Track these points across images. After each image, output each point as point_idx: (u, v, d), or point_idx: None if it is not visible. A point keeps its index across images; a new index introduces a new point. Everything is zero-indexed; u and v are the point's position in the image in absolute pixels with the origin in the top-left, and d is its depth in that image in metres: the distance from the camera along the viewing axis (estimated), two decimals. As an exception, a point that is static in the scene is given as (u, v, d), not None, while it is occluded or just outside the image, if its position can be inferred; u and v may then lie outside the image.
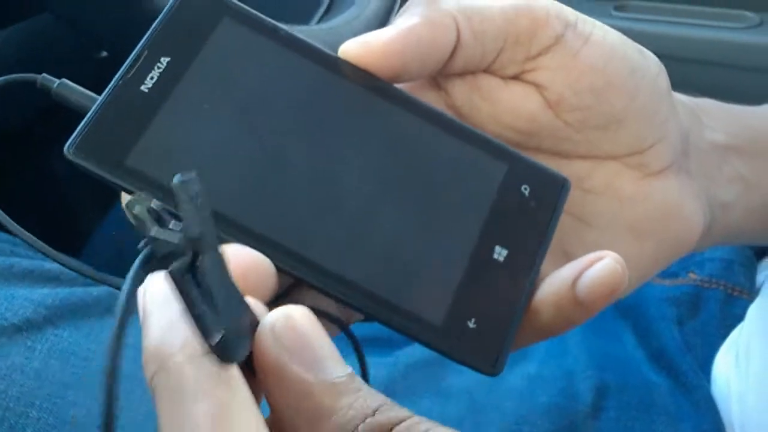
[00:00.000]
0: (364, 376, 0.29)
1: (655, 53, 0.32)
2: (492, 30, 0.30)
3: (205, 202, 0.21)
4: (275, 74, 0.30)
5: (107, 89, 0.28)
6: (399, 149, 0.30)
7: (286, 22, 0.32)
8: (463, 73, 0.32)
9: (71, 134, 0.27)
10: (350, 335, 0.29)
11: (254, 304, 0.24)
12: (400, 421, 0.22)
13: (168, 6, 0.30)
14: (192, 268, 0.21)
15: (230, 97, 0.29)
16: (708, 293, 0.48)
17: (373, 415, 0.22)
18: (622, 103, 0.31)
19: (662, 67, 0.32)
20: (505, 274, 0.30)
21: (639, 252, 0.33)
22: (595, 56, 0.31)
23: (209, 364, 0.21)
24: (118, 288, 0.21)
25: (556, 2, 0.32)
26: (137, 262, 0.21)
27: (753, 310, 0.45)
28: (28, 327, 0.42)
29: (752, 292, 0.48)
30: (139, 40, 0.29)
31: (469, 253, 0.30)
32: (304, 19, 0.54)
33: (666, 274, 0.51)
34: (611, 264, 0.28)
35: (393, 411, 0.23)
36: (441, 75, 0.32)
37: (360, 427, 0.22)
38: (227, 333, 0.20)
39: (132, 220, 0.22)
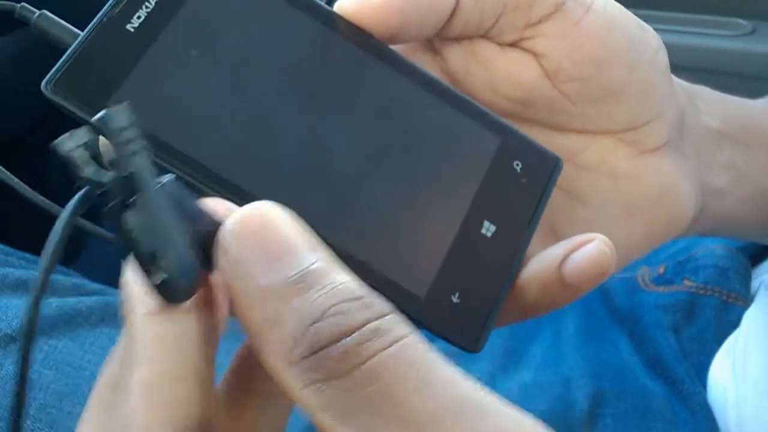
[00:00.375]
0: None
1: None
2: None
3: (138, 134, 0.19)
4: (268, 24, 0.29)
5: (91, 25, 0.27)
6: (391, 114, 0.29)
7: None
8: (460, 38, 0.31)
9: None
10: None
11: (223, 208, 0.22)
12: (362, 325, 0.19)
13: None
14: (128, 207, 0.19)
15: (219, 45, 0.28)
16: (703, 300, 0.48)
17: (324, 317, 0.19)
18: (621, 76, 0.31)
19: (662, 43, 0.32)
20: (492, 250, 0.29)
21: (630, 231, 0.33)
22: (596, 26, 0.30)
23: (157, 325, 0.20)
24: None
25: None
26: (71, 204, 0.20)
27: (748, 317, 0.45)
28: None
29: (747, 299, 0.48)
30: None
31: (457, 226, 0.29)
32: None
33: (661, 281, 0.51)
34: (600, 247, 0.27)
35: (358, 313, 0.19)
36: (437, 38, 0.32)
37: (301, 343, 0.19)
38: (169, 273, 0.19)
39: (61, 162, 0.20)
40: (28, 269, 0.46)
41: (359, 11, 0.29)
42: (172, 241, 0.19)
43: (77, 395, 0.40)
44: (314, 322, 0.19)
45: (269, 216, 0.20)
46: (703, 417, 0.44)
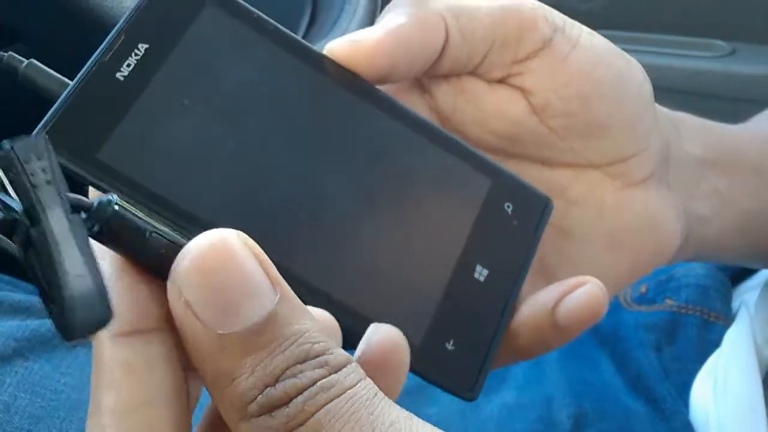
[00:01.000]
0: None
1: None
2: (480, 30, 0.30)
3: (51, 166, 0.19)
4: (257, 70, 0.28)
5: (80, 74, 0.26)
6: (381, 157, 0.29)
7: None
8: (448, 75, 0.31)
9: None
10: None
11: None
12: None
13: None
14: (30, 240, 0.19)
15: (209, 92, 0.27)
16: (685, 319, 0.49)
17: (276, 382, 0.19)
18: (608, 110, 0.31)
19: (646, 75, 0.32)
20: (485, 294, 0.29)
21: (616, 263, 0.33)
22: (582, 61, 0.30)
23: (122, 348, 0.20)
24: None
25: (544, 5, 0.31)
26: None
27: (729, 336, 0.45)
28: (-2, 359, 0.41)
29: (728, 318, 0.48)
30: None
31: (449, 271, 0.29)
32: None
33: (643, 300, 0.51)
34: (593, 290, 0.28)
35: (313, 373, 0.19)
36: (426, 76, 0.32)
37: (254, 404, 0.19)
38: (61, 307, 0.18)
39: None
40: (3, 290, 0.46)
41: (350, 55, 0.29)
42: (66, 275, 0.18)
43: (53, 418, 0.39)
44: (268, 386, 0.19)
45: (228, 251, 0.19)
46: (686, 437, 0.44)
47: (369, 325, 0.26)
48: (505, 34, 0.30)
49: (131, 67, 0.26)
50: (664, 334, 0.48)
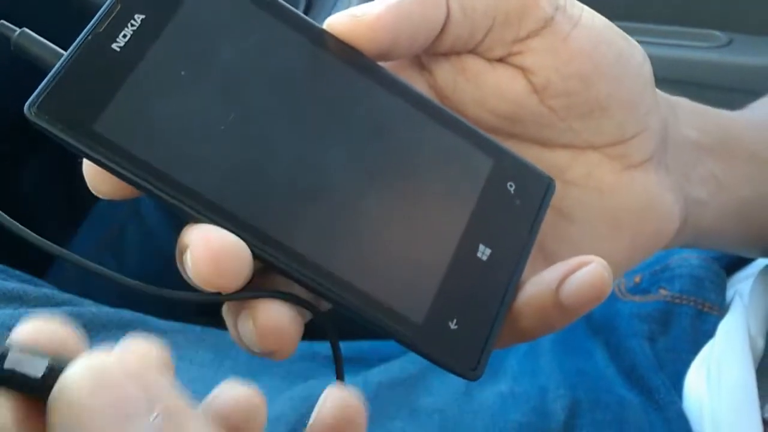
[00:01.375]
0: (339, 374, 0.28)
1: None
2: (481, 7, 0.29)
3: None
4: (256, 43, 0.28)
5: (74, 44, 0.26)
6: (383, 136, 0.29)
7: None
8: (448, 54, 0.31)
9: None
10: (325, 322, 0.28)
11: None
12: None
13: None
14: None
15: (207, 65, 0.27)
16: (679, 309, 0.49)
17: None
18: (608, 90, 0.31)
19: (646, 56, 0.32)
20: (488, 274, 0.29)
21: (616, 246, 0.33)
22: (583, 40, 0.30)
23: None
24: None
25: None
26: None
27: (723, 327, 0.45)
28: (-10, 348, 0.41)
29: (722, 308, 0.48)
30: None
31: (452, 250, 0.28)
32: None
33: (637, 290, 0.51)
34: (598, 269, 0.27)
35: None
36: (426, 54, 0.31)
37: None
38: None
39: None
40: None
41: (350, 30, 0.28)
42: None
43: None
44: None
45: (99, 385, 0.20)
46: (679, 427, 0.44)
47: (368, 304, 0.26)
48: (506, 11, 0.30)
49: (127, 38, 0.26)
50: (658, 324, 0.48)
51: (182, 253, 0.25)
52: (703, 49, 0.82)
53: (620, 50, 0.31)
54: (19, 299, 0.44)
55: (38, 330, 0.22)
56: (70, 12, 0.43)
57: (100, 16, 0.26)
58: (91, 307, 0.46)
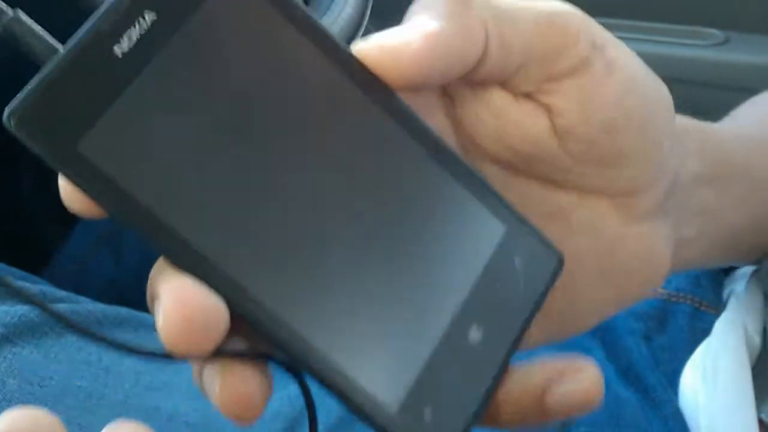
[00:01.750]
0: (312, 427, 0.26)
1: None
2: (519, 43, 0.27)
3: None
4: (277, 60, 0.25)
5: (72, 43, 0.22)
6: (395, 185, 0.26)
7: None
8: (474, 84, 0.29)
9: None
10: (303, 385, 0.25)
11: None
12: None
13: None
14: None
15: (218, 81, 0.23)
16: (675, 307, 0.49)
17: None
18: (630, 141, 0.29)
19: (670, 98, 0.30)
20: (475, 359, 0.26)
21: (605, 296, 0.32)
22: (616, 88, 0.28)
23: None
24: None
25: (588, 18, 0.28)
26: None
27: (719, 325, 0.45)
28: (-14, 345, 0.41)
29: (719, 307, 0.48)
30: None
31: (443, 328, 0.25)
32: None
33: (633, 288, 0.51)
34: (590, 379, 0.26)
35: None
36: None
37: None
38: None
39: None
40: None
41: (384, 62, 0.26)
42: None
43: (41, 404, 0.39)
44: None
45: None
46: (675, 425, 0.44)
47: (341, 381, 0.24)
48: (544, 48, 0.27)
49: (133, 41, 0.22)
50: (655, 322, 0.48)
51: (152, 299, 0.23)
52: (699, 47, 0.82)
53: (650, 97, 0.29)
54: (15, 295, 0.44)
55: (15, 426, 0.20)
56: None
57: (105, 10, 0.22)
58: (87, 305, 0.46)
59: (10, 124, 0.21)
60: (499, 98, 0.29)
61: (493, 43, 0.26)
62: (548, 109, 0.28)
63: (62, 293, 0.46)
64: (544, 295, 0.28)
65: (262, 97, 0.24)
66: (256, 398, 0.24)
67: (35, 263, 0.60)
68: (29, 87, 0.22)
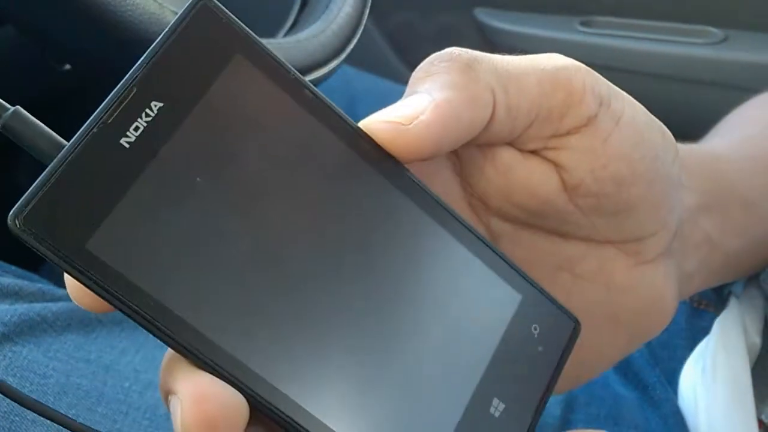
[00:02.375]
0: None
1: (620, 68, 0.31)
2: (526, 105, 0.27)
3: None
4: (286, 141, 0.24)
5: (77, 137, 0.21)
6: (410, 261, 0.25)
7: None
8: (482, 145, 0.29)
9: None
10: None
11: None
12: None
13: (165, 33, 0.22)
14: None
15: (229, 167, 0.23)
16: (674, 306, 0.49)
17: None
18: (639, 192, 0.29)
19: (677, 148, 0.30)
20: None
21: (613, 341, 0.32)
22: (624, 142, 0.28)
23: None
24: None
25: (591, 72, 0.28)
26: None
27: (719, 324, 0.45)
28: (-14, 344, 0.41)
29: (718, 305, 0.48)
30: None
31: (464, 405, 0.25)
32: (271, 32, 0.54)
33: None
34: None
35: None
36: None
37: None
38: None
39: None
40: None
41: (394, 139, 0.25)
42: None
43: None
44: None
45: None
46: (675, 423, 0.44)
47: None
48: (550, 107, 0.27)
49: (139, 132, 0.21)
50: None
51: (166, 395, 0.23)
52: (698, 46, 0.82)
53: (658, 150, 0.29)
54: (16, 295, 0.44)
55: None
56: (75, 14, 0.42)
57: (111, 101, 0.21)
58: (86, 303, 0.46)
59: (15, 226, 0.20)
60: (506, 156, 0.29)
61: (500, 108, 0.26)
62: (556, 166, 0.29)
63: (61, 291, 0.46)
64: (563, 361, 0.28)
65: (272, 181, 0.23)
66: None
67: (34, 261, 0.60)
68: (34, 186, 0.21)
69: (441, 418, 0.25)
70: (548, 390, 0.27)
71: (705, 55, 0.81)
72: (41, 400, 0.39)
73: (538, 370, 0.27)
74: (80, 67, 0.53)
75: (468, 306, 0.26)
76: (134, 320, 0.21)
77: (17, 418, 0.38)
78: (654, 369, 0.46)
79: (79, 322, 0.44)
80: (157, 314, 0.21)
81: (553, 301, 0.28)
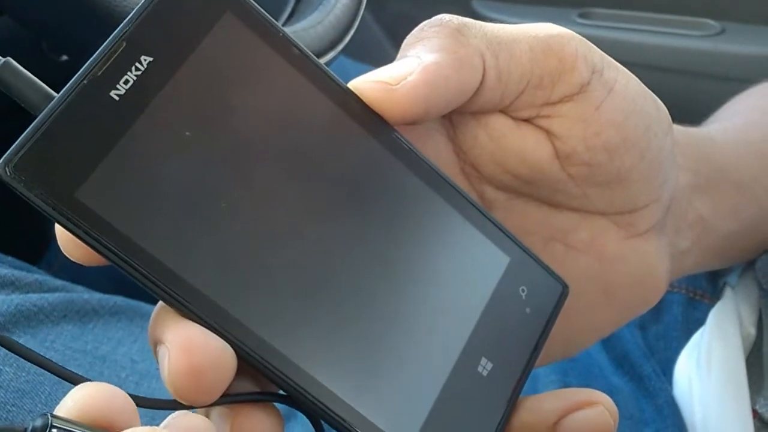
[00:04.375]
0: None
1: (618, 60, 0.31)
2: (517, 71, 0.27)
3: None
4: (276, 99, 0.24)
5: (66, 88, 0.21)
6: (398, 221, 0.26)
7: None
8: (475, 112, 0.29)
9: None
10: (317, 424, 0.25)
11: None
12: None
13: None
14: None
15: (215, 123, 0.23)
16: (670, 297, 0.49)
17: None
18: (631, 162, 0.29)
19: (670, 121, 0.30)
20: (486, 391, 0.26)
21: (605, 314, 0.32)
22: (616, 110, 0.28)
23: None
24: None
25: (584, 41, 0.28)
26: None
27: (714, 314, 0.45)
28: (-18, 334, 0.41)
29: (713, 296, 0.48)
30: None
31: (452, 362, 0.25)
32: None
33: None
34: (603, 416, 0.26)
35: None
36: None
37: None
38: None
39: None
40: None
41: (381, 98, 0.26)
42: None
43: (38, 393, 0.39)
44: None
45: None
46: (670, 414, 0.44)
47: (358, 419, 0.24)
48: (541, 74, 0.27)
49: (129, 85, 0.22)
50: (650, 312, 0.48)
51: (155, 344, 0.23)
52: (695, 38, 0.82)
53: (650, 120, 0.29)
54: (12, 285, 0.44)
55: (85, 400, 0.20)
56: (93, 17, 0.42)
57: (100, 55, 0.22)
58: (83, 294, 0.46)
59: (5, 173, 0.20)
60: (499, 123, 0.29)
61: (490, 73, 0.27)
62: (549, 134, 0.29)
63: (58, 282, 0.46)
64: (550, 323, 0.28)
65: (260, 136, 0.24)
66: None
67: (32, 252, 0.60)
68: (24, 135, 0.21)
69: (429, 376, 0.25)
70: (536, 351, 0.27)
71: (702, 47, 0.81)
72: (37, 391, 0.39)
73: (525, 331, 0.27)
74: (78, 58, 0.53)
75: (456, 267, 0.26)
76: (123, 270, 0.22)
77: (14, 408, 0.38)
78: (649, 359, 0.47)
79: (76, 312, 0.44)
80: (146, 264, 0.21)
81: (541, 264, 0.28)
